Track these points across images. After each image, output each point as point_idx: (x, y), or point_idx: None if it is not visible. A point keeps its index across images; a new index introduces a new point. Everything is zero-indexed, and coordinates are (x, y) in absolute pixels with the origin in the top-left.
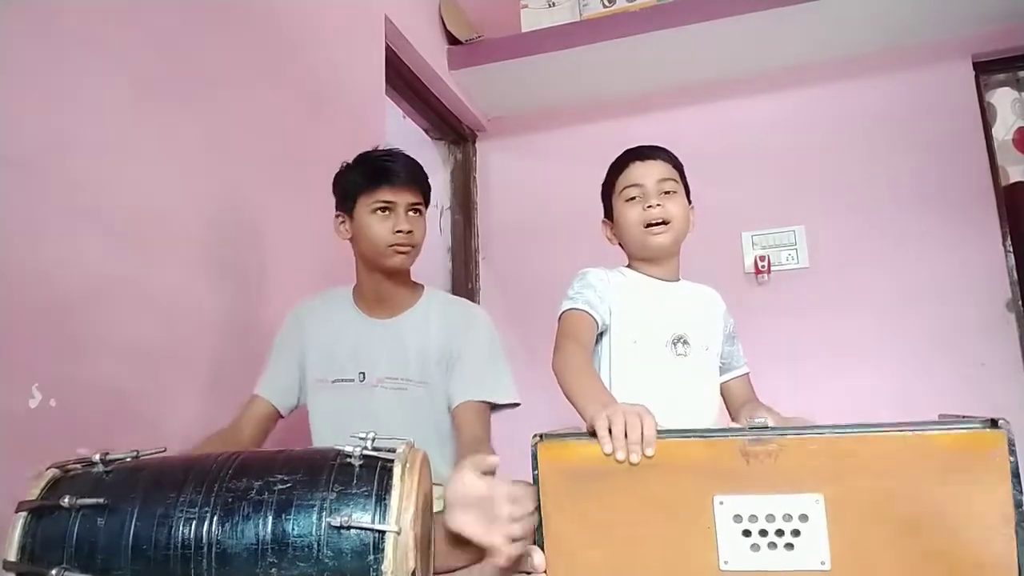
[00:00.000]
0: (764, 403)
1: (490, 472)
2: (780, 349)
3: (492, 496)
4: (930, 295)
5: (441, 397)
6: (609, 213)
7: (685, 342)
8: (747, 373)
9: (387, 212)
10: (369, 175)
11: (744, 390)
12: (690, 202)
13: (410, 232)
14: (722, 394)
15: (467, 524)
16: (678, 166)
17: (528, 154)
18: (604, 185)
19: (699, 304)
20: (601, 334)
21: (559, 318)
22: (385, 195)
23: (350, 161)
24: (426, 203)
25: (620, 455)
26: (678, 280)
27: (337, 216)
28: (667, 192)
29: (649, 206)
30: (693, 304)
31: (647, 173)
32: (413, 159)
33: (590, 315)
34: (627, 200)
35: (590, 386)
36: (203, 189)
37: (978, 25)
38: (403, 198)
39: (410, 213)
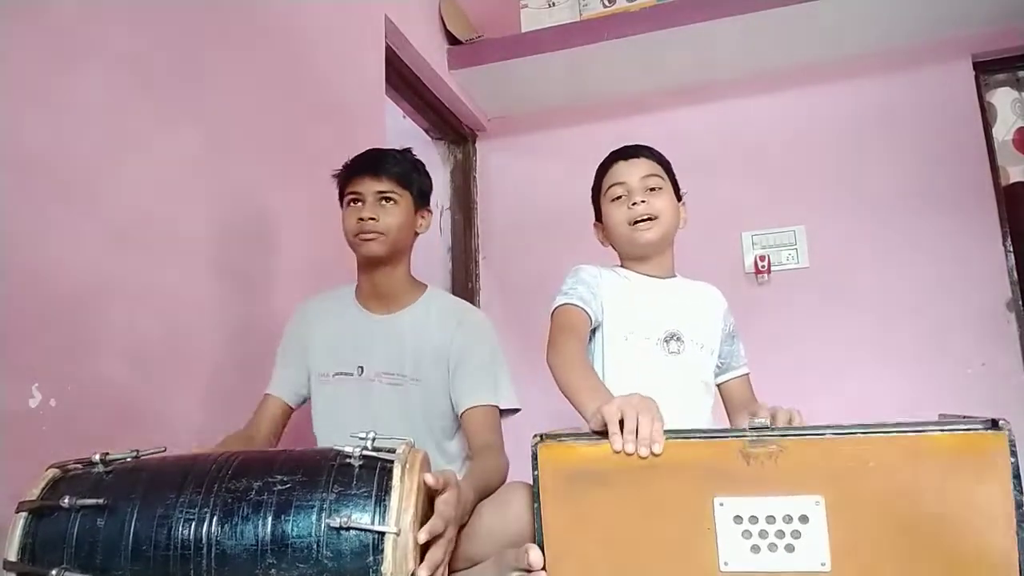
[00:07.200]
0: (762, 402)
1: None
2: (780, 349)
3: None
4: (930, 295)
5: (436, 397)
6: (600, 216)
7: (678, 339)
8: (747, 374)
9: (358, 203)
10: (345, 170)
11: (743, 391)
12: (680, 199)
13: (372, 219)
14: (721, 395)
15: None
16: (663, 163)
17: (528, 154)
18: (592, 188)
19: (695, 301)
20: (594, 330)
21: (552, 314)
22: (353, 186)
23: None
24: (407, 192)
25: (630, 447)
26: (673, 277)
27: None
28: (652, 189)
29: (634, 203)
30: (688, 301)
31: (631, 171)
32: (395, 151)
33: (584, 310)
34: (613, 200)
35: (587, 382)
36: (203, 189)
37: (978, 25)
38: (368, 187)
39: (382, 202)
